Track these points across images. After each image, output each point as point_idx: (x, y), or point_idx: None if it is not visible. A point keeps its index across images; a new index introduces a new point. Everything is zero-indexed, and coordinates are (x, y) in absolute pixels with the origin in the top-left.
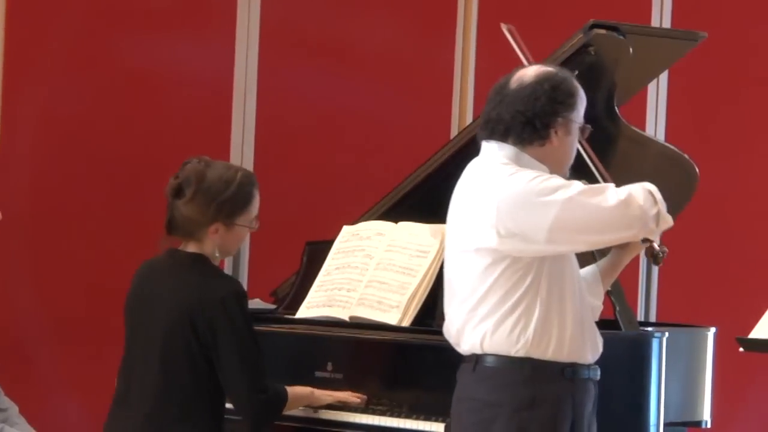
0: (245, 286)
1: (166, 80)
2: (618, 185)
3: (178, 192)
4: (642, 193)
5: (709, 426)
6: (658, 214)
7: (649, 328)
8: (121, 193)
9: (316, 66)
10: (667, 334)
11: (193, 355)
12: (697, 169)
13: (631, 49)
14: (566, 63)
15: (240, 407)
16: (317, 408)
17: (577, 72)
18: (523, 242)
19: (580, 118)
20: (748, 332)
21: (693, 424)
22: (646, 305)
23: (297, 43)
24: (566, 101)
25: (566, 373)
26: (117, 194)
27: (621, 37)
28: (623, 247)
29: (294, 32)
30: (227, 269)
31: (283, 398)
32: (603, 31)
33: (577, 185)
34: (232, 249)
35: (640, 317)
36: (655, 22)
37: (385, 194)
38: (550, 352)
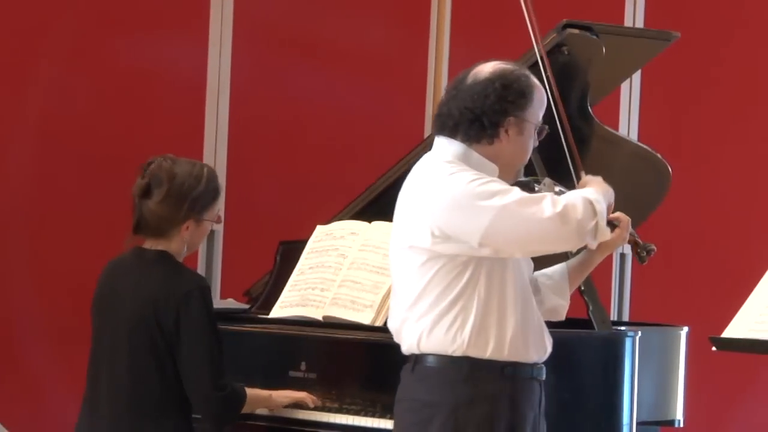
0: (218, 286)
1: (138, 79)
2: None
3: (146, 192)
4: (582, 204)
5: (681, 425)
6: (596, 227)
7: (622, 328)
8: (94, 190)
9: (289, 65)
10: (639, 333)
11: (159, 351)
12: (670, 169)
13: (604, 49)
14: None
15: (198, 403)
16: (293, 408)
17: (549, 71)
18: (456, 244)
19: (536, 119)
20: (721, 331)
21: (666, 424)
22: (619, 304)
23: (270, 41)
24: (517, 101)
25: (506, 371)
26: (90, 191)
27: (594, 37)
28: (596, 249)
29: (267, 31)
30: (200, 269)
31: (241, 397)
32: (576, 31)
33: (516, 193)
34: (198, 244)
35: (613, 316)
36: (628, 22)
37: (358, 194)
38: (489, 351)
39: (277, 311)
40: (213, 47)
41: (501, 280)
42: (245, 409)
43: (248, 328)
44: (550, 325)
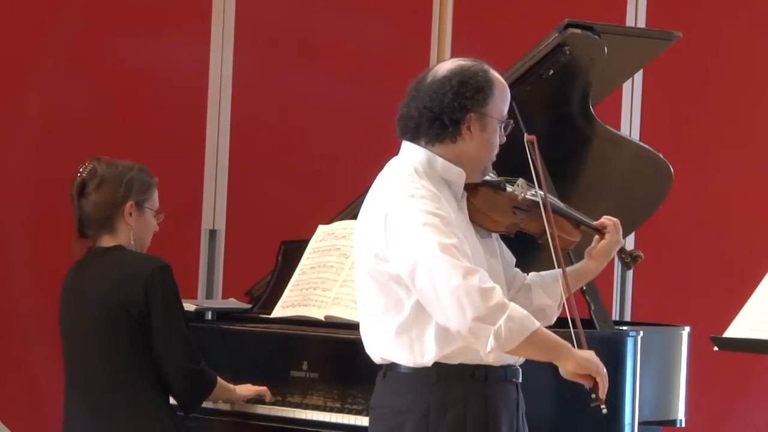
0: (220, 286)
1: (139, 79)
2: (592, 186)
3: (82, 189)
4: (498, 302)
5: (683, 425)
6: (498, 332)
7: (624, 328)
8: None
9: (291, 65)
10: (641, 333)
11: (130, 334)
12: (672, 169)
13: (606, 49)
14: (541, 62)
15: (172, 376)
16: (294, 408)
17: (552, 71)
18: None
19: (500, 113)
20: (723, 331)
21: (667, 423)
22: (620, 304)
23: (272, 42)
24: (476, 96)
25: (477, 374)
26: None
27: (596, 37)
28: (592, 257)
29: (269, 31)
30: (202, 268)
31: (212, 379)
32: (578, 31)
33: (455, 242)
34: (146, 237)
35: (615, 316)
36: (630, 22)
37: (360, 193)
38: (459, 356)
39: (279, 311)
40: (215, 47)
41: None
42: (213, 398)
43: (250, 327)
44: (551, 325)
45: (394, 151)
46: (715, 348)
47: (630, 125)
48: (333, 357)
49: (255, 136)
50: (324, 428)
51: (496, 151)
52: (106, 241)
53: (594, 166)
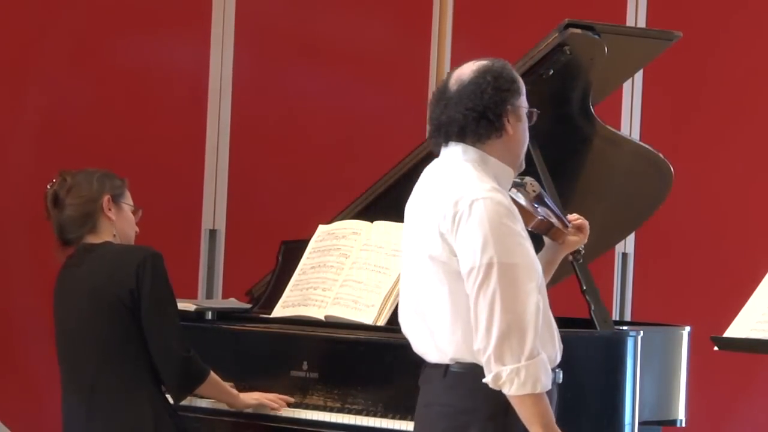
0: (220, 286)
1: (139, 79)
2: (592, 186)
3: (56, 199)
4: (542, 371)
5: (684, 425)
6: (517, 371)
7: (624, 327)
8: None
9: (291, 64)
10: (642, 333)
11: (123, 323)
12: (672, 169)
13: (606, 49)
14: (541, 62)
15: (164, 362)
16: (295, 408)
17: (552, 71)
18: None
19: (526, 103)
20: (723, 331)
21: (668, 423)
22: (621, 304)
23: (272, 41)
24: (511, 87)
25: None
26: None
27: (596, 37)
28: (559, 250)
29: (269, 31)
30: (202, 268)
31: (204, 369)
32: (578, 31)
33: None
34: (129, 233)
35: (615, 316)
36: (630, 22)
37: (360, 193)
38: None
39: (279, 311)
40: (215, 47)
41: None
42: (211, 394)
43: (250, 327)
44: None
45: (395, 151)
46: (715, 348)
47: (630, 125)
48: (333, 357)
49: (255, 136)
50: (324, 428)
51: (528, 140)
52: (91, 240)
53: (594, 166)
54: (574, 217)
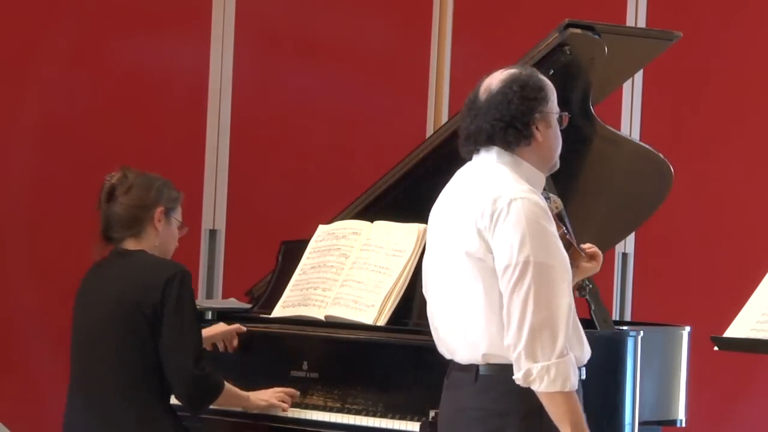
0: (220, 286)
1: (139, 79)
2: (592, 186)
3: (111, 194)
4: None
5: (683, 425)
6: (547, 368)
7: (624, 327)
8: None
9: (291, 64)
10: (642, 333)
11: (141, 336)
12: (672, 169)
13: (606, 49)
14: (541, 62)
15: (177, 380)
16: (295, 408)
17: (552, 71)
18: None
19: (556, 108)
20: (723, 331)
21: (668, 423)
22: (621, 304)
23: (272, 41)
24: (538, 96)
25: None
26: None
27: (596, 37)
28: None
29: (269, 31)
30: (202, 268)
31: (219, 384)
32: (578, 31)
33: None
34: (170, 248)
35: (615, 316)
36: (630, 22)
37: (360, 193)
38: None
39: (279, 311)
40: (215, 47)
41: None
42: (223, 403)
43: (250, 327)
44: None
45: (395, 150)
46: (715, 348)
47: (630, 125)
48: (333, 357)
49: (255, 136)
50: (324, 428)
51: (561, 143)
52: (130, 245)
53: (594, 166)
54: (587, 246)
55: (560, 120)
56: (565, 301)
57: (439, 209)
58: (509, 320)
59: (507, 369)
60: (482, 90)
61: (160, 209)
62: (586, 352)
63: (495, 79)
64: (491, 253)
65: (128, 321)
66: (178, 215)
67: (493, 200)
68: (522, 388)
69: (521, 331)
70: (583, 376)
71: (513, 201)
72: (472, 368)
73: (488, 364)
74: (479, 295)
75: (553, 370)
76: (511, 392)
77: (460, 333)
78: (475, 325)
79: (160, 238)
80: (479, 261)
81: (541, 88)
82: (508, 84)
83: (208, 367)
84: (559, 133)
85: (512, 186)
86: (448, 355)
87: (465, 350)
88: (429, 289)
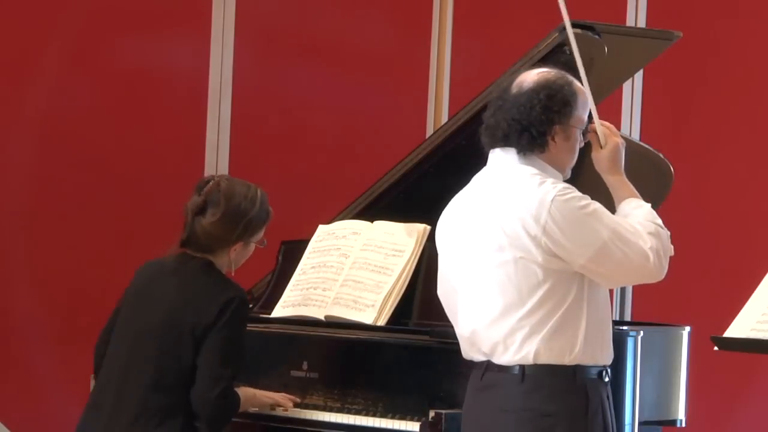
0: None
1: (140, 79)
2: (592, 186)
3: (202, 210)
4: (664, 237)
5: (683, 425)
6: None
7: (624, 327)
8: (94, 190)
9: (291, 64)
10: (642, 332)
11: (184, 356)
12: (672, 168)
13: (606, 49)
14: (541, 62)
15: (200, 405)
16: (295, 408)
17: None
18: (559, 260)
19: (581, 122)
20: (723, 331)
21: (668, 423)
22: (620, 304)
23: (272, 41)
24: (562, 110)
25: (603, 376)
26: (90, 191)
27: (596, 37)
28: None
29: (269, 30)
30: None
31: (236, 406)
32: (578, 31)
33: (618, 218)
34: (240, 264)
35: (615, 316)
36: (630, 22)
37: (360, 193)
38: (597, 357)
39: (279, 311)
40: (215, 47)
41: (597, 286)
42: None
43: (250, 327)
44: None
45: (395, 149)
46: (715, 348)
47: (630, 125)
48: (333, 357)
49: (255, 136)
50: (324, 428)
51: (576, 156)
52: (202, 255)
53: (594, 166)
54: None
55: (584, 133)
56: (639, 230)
57: (462, 213)
58: (635, 279)
59: (555, 369)
60: (515, 84)
61: (239, 243)
62: (609, 354)
63: (529, 78)
64: (555, 256)
65: (173, 339)
66: (258, 238)
67: (539, 202)
68: (569, 388)
69: (648, 273)
70: (608, 378)
71: (553, 201)
72: (517, 368)
73: (536, 365)
74: (544, 296)
75: (668, 255)
76: (559, 392)
77: (506, 334)
78: (525, 327)
79: (233, 259)
80: (540, 265)
81: (567, 103)
82: (538, 89)
83: (229, 394)
84: (577, 148)
85: (544, 185)
86: (481, 357)
87: (510, 351)
88: (460, 293)
